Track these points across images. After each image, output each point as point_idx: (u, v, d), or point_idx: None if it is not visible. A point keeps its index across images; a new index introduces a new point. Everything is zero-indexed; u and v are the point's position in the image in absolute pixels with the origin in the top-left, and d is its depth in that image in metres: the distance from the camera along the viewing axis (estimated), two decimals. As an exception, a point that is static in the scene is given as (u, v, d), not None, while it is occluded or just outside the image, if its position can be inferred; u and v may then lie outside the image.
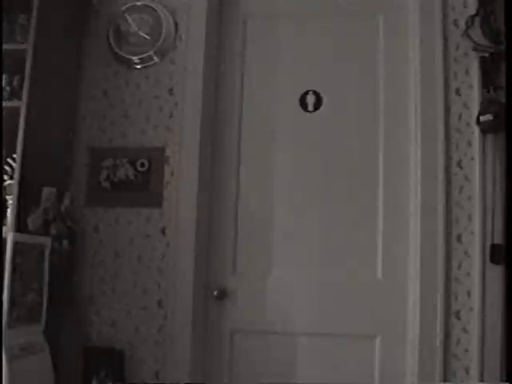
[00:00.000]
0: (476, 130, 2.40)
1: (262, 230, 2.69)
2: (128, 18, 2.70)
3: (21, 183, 2.24)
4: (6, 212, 2.27)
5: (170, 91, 2.68)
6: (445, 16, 2.49)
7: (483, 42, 2.37)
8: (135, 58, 2.69)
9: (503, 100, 2.26)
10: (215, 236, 2.69)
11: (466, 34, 2.42)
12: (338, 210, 2.62)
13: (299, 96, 2.70)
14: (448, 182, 2.41)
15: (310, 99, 2.70)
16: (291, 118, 2.70)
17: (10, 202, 2.26)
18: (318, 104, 2.69)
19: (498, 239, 2.31)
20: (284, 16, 2.79)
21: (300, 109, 2.70)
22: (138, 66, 2.71)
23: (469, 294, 2.34)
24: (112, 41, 2.71)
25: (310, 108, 2.69)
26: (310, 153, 2.67)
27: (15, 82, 2.42)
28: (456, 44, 2.47)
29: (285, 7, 2.79)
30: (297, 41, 2.76)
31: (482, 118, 2.35)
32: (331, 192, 2.64)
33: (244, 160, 2.73)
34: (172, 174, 2.61)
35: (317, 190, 2.65)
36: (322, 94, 2.68)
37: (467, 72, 2.45)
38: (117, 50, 2.70)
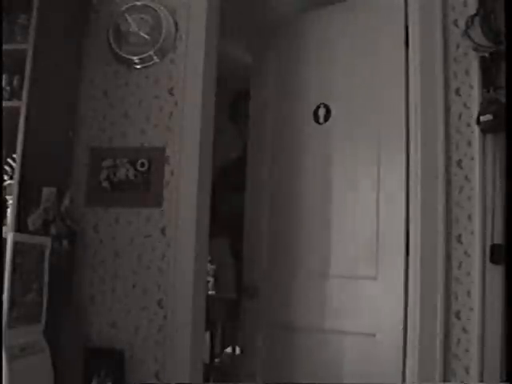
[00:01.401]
0: (476, 129, 2.39)
1: (265, 230, 2.77)
2: (128, 17, 2.70)
3: (21, 183, 2.24)
4: (6, 212, 2.27)
5: (170, 91, 2.68)
6: (445, 16, 2.48)
7: (483, 41, 2.36)
8: (135, 58, 2.69)
9: (503, 100, 2.25)
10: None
11: (466, 34, 2.41)
12: (339, 210, 2.64)
13: (313, 109, 2.77)
14: (448, 182, 2.40)
15: (321, 112, 2.74)
16: (303, 129, 2.79)
17: (10, 201, 2.26)
18: (327, 116, 2.73)
19: (498, 239, 2.30)
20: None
21: (312, 121, 2.77)
22: (138, 66, 2.71)
23: (469, 294, 2.34)
24: (112, 41, 2.71)
25: (321, 120, 2.74)
26: (313, 155, 2.73)
27: (15, 82, 2.42)
28: (456, 44, 2.47)
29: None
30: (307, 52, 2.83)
31: (482, 118, 2.34)
32: (334, 193, 2.68)
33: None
34: (172, 173, 2.61)
35: (320, 191, 2.69)
36: (331, 107, 2.73)
37: (467, 72, 2.44)
38: (117, 50, 2.70)
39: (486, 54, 2.36)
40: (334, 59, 2.78)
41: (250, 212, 2.96)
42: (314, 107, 2.77)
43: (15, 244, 2.05)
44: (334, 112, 2.74)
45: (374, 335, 2.50)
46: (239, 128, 3.36)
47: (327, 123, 2.75)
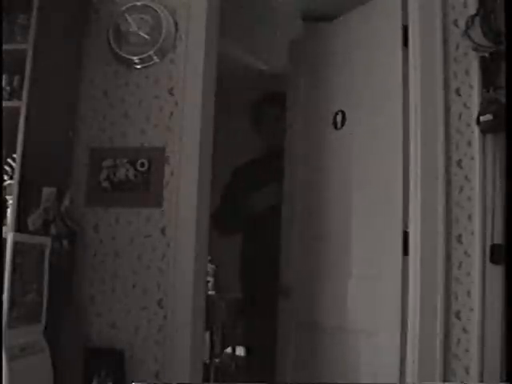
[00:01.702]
0: (476, 130, 2.39)
1: (298, 230, 2.93)
2: (128, 17, 2.70)
3: (21, 183, 2.24)
4: (6, 212, 2.27)
5: (170, 91, 2.67)
6: (445, 16, 2.48)
7: (483, 42, 2.36)
8: (135, 58, 2.69)
9: (503, 100, 2.25)
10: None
11: (466, 34, 2.41)
12: (358, 211, 2.69)
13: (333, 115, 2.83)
14: (448, 182, 2.40)
15: (339, 118, 2.80)
16: (326, 134, 2.88)
17: (10, 202, 2.26)
18: (343, 121, 2.79)
19: (498, 239, 2.30)
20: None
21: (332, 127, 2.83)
22: (138, 66, 2.71)
23: (469, 294, 2.34)
24: (112, 41, 2.70)
25: (339, 126, 2.80)
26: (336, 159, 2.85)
27: (15, 82, 2.42)
28: (456, 44, 2.47)
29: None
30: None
31: (482, 118, 2.34)
32: (354, 196, 2.73)
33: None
34: (172, 174, 2.61)
35: (344, 194, 2.75)
36: (346, 112, 2.78)
37: (467, 72, 2.44)
38: (117, 50, 2.70)
39: (486, 54, 2.36)
40: (350, 65, 2.81)
41: (286, 212, 3.04)
42: (334, 113, 2.83)
43: (15, 244, 2.05)
44: (349, 118, 2.76)
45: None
46: (260, 130, 3.37)
47: (343, 128, 2.78)
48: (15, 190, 2.24)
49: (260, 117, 3.35)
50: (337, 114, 2.82)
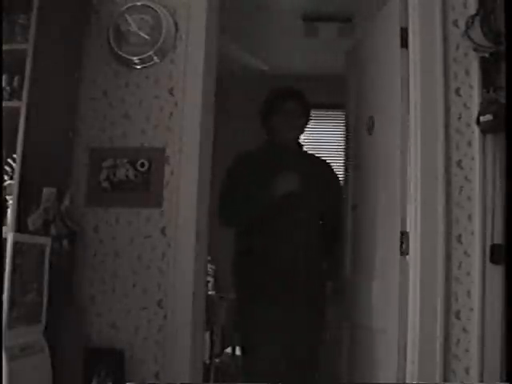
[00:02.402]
0: (476, 130, 2.39)
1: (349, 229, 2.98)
2: (128, 17, 2.70)
3: (21, 183, 2.24)
4: (6, 212, 2.26)
5: (170, 91, 2.67)
6: (445, 16, 2.48)
7: (483, 42, 2.36)
8: (135, 58, 2.69)
9: (503, 100, 2.25)
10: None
11: (466, 34, 2.42)
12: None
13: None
14: (448, 182, 2.40)
15: (370, 124, 2.82)
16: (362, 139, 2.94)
17: (10, 202, 2.25)
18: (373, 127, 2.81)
19: (498, 239, 2.30)
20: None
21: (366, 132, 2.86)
22: (138, 66, 2.70)
23: (469, 294, 2.34)
24: (112, 41, 2.70)
25: (371, 131, 2.82)
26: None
27: (15, 82, 2.41)
28: (456, 44, 2.47)
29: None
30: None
31: (482, 118, 2.34)
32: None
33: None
34: (172, 173, 2.61)
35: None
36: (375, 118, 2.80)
37: (467, 72, 2.44)
38: (117, 50, 2.70)
39: (486, 55, 2.36)
40: (378, 69, 2.81)
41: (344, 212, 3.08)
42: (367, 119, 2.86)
43: (15, 244, 2.05)
44: (376, 123, 2.77)
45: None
46: (269, 124, 3.23)
47: (373, 134, 2.79)
48: (15, 190, 2.24)
49: (271, 111, 3.17)
50: (369, 120, 2.83)
